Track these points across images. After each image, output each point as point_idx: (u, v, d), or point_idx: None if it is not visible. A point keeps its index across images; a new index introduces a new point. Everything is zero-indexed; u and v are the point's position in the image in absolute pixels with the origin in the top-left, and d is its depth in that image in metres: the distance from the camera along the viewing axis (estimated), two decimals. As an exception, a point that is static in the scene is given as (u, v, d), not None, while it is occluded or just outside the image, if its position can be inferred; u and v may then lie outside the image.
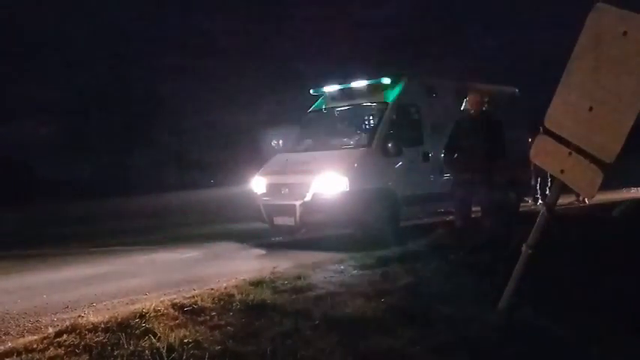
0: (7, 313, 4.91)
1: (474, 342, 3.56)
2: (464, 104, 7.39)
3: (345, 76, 9.46)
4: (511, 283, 3.76)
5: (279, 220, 8.29)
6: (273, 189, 8.49)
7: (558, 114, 3.52)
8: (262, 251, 8.09)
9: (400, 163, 8.53)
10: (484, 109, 7.33)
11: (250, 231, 9.75)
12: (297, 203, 7.85)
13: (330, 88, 9.43)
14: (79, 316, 4.36)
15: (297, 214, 7.86)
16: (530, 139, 10.84)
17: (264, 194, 8.58)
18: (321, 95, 9.72)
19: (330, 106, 9.45)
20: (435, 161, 9.03)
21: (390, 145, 8.20)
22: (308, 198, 7.78)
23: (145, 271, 6.84)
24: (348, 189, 7.70)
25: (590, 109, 3.25)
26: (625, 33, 3.10)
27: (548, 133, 3.64)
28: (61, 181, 28.41)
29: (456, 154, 7.25)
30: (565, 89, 3.50)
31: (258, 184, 8.74)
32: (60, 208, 18.12)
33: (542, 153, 3.70)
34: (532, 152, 3.83)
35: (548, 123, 3.59)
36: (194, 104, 32.83)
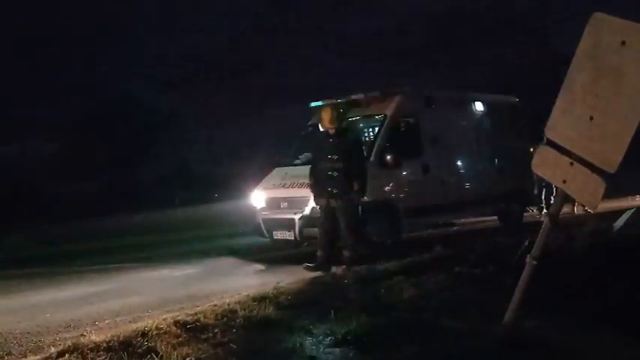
0: (10, 333, 4.89)
1: (480, 356, 3.53)
2: (314, 120, 7.03)
3: (344, 89, 9.46)
4: (516, 295, 3.72)
5: (279, 235, 8.21)
6: (273, 203, 8.42)
7: (559, 124, 3.51)
8: (265, 266, 8.05)
9: (400, 175, 8.49)
10: (339, 125, 6.88)
11: (252, 245, 9.70)
12: (297, 217, 7.77)
13: (329, 102, 9.41)
14: (82, 335, 4.34)
15: (297, 227, 7.77)
16: (532, 149, 10.90)
17: (263, 208, 8.52)
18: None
19: None
20: (435, 173, 9.00)
21: (388, 157, 8.13)
22: (307, 211, 7.70)
23: (148, 288, 6.81)
24: None
25: (591, 118, 3.23)
26: (623, 42, 3.09)
27: (550, 143, 3.62)
28: (66, 199, 28.45)
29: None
30: (565, 99, 3.48)
31: (257, 198, 8.69)
32: (66, 225, 18.14)
33: (544, 163, 3.68)
34: (534, 163, 3.82)
35: (549, 133, 3.58)
36: (198, 118, 32.97)
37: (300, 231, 7.75)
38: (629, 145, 3.06)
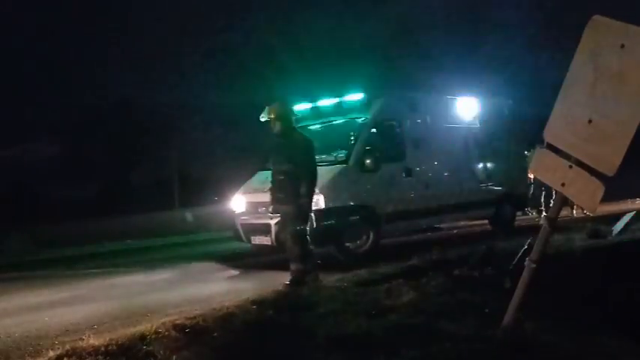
0: (9, 336, 4.87)
1: (480, 359, 3.52)
2: (262, 117, 6.42)
3: (330, 92, 9.23)
4: (515, 299, 3.72)
5: (257, 240, 8.07)
6: (251, 207, 8.28)
7: (558, 127, 3.51)
8: (262, 270, 8.01)
9: (380, 179, 8.33)
10: (286, 124, 6.28)
11: (248, 249, 9.67)
12: (273, 222, 7.55)
13: (313, 104, 9.31)
14: (80, 338, 4.32)
15: (273, 232, 7.61)
16: (526, 152, 10.84)
17: (242, 213, 8.41)
18: (306, 111, 9.42)
19: (313, 122, 9.25)
20: (418, 176, 8.90)
21: (368, 161, 8.00)
22: None
23: (147, 290, 6.81)
24: (323, 207, 7.44)
25: (590, 121, 3.24)
26: (622, 45, 3.09)
27: (549, 146, 3.62)
28: (65, 202, 28.48)
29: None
30: (564, 102, 3.49)
31: (237, 202, 8.57)
32: (64, 228, 18.14)
33: (543, 166, 3.69)
34: (533, 166, 3.82)
35: (548, 136, 3.58)
36: (198, 120, 32.96)
37: (277, 236, 7.51)
38: (628, 148, 3.07)
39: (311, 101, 9.28)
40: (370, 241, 8.09)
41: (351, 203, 7.98)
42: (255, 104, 6.81)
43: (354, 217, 7.91)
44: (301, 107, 9.24)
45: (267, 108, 6.34)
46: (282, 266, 6.82)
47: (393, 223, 8.49)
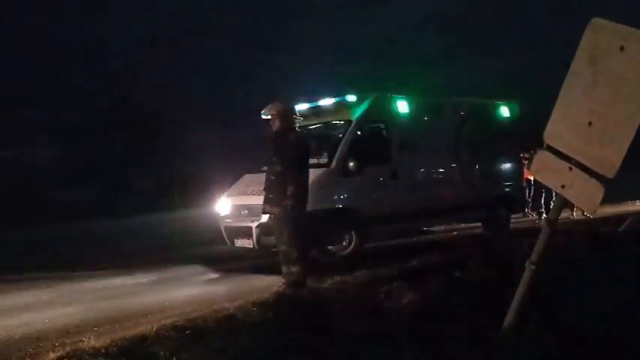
0: (10, 338, 4.89)
1: (480, 361, 3.52)
2: (263, 114, 6.31)
3: (321, 94, 9.16)
4: (515, 301, 3.72)
5: (239, 243, 8.07)
6: (235, 210, 8.28)
7: (558, 129, 3.52)
8: (260, 273, 7.99)
9: (364, 182, 8.24)
10: (286, 123, 6.17)
11: (247, 252, 9.66)
12: (254, 225, 7.56)
13: (300, 107, 9.27)
14: (81, 340, 4.33)
15: (254, 235, 7.59)
16: (522, 155, 10.75)
17: (226, 216, 8.40)
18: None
19: (301, 124, 9.22)
20: (404, 179, 8.81)
21: (351, 163, 7.93)
22: (264, 219, 7.14)
23: (147, 291, 6.82)
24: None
25: (590, 124, 3.25)
26: (622, 48, 3.10)
27: (549, 148, 3.63)
28: (65, 204, 28.48)
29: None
30: (564, 104, 3.49)
31: (222, 205, 8.55)
32: (64, 229, 18.15)
33: (543, 168, 3.69)
34: (533, 168, 3.82)
35: (548, 138, 3.59)
36: (198, 124, 33.06)
37: (258, 239, 7.52)
38: (628, 150, 3.08)
39: (303, 103, 9.22)
40: (353, 244, 8.03)
41: (335, 206, 7.94)
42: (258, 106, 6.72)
43: (337, 220, 7.84)
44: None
45: (269, 105, 6.30)
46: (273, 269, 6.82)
47: (377, 226, 8.42)
